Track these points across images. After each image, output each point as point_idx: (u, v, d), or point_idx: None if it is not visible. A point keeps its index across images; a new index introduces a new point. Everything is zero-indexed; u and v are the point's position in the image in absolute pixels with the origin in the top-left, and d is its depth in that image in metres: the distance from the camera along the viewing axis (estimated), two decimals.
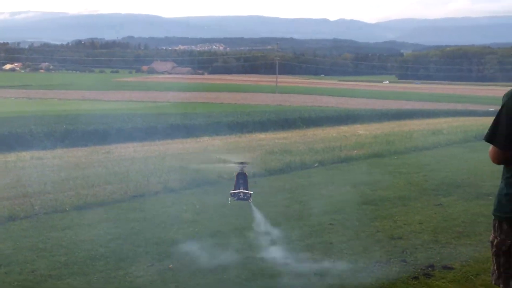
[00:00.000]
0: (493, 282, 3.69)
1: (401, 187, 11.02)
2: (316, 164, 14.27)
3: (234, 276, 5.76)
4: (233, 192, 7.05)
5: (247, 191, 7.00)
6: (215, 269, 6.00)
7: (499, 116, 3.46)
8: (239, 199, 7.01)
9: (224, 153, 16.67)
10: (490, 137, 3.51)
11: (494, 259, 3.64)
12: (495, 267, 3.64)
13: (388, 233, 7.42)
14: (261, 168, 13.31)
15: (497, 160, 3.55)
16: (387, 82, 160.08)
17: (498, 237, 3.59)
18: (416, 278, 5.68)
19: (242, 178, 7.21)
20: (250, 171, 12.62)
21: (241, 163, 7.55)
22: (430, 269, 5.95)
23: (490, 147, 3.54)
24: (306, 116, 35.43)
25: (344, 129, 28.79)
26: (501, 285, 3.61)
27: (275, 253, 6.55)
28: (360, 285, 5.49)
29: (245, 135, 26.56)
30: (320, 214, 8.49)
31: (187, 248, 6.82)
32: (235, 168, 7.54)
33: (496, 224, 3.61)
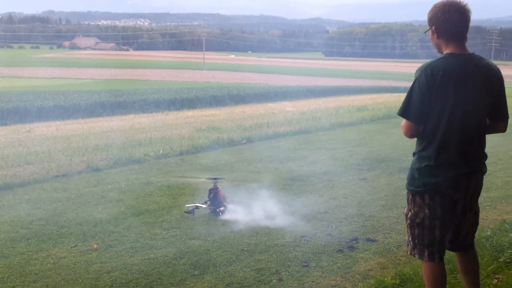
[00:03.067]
0: (408, 253, 3.84)
1: (327, 162, 11.22)
2: (244, 141, 14.32)
3: (161, 255, 5.70)
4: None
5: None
6: (141, 248, 5.92)
7: (411, 90, 3.54)
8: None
9: (151, 131, 16.47)
10: (403, 111, 3.59)
11: (409, 231, 3.78)
12: (410, 239, 3.79)
13: (314, 208, 7.55)
14: (189, 145, 13.24)
15: (409, 133, 3.64)
16: (233, 56, 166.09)
17: (411, 210, 3.72)
18: (341, 251, 5.81)
19: (212, 193, 7.31)
20: (176, 149, 12.60)
21: (214, 178, 7.63)
22: (354, 242, 6.09)
23: (403, 121, 3.62)
24: (234, 93, 35.47)
25: (272, 106, 29.03)
26: (416, 256, 3.77)
27: (202, 231, 6.53)
28: (286, 259, 5.56)
29: (172, 112, 26.37)
30: (248, 191, 8.51)
31: (112, 228, 6.70)
32: (208, 183, 7.64)
33: (410, 198, 3.73)
